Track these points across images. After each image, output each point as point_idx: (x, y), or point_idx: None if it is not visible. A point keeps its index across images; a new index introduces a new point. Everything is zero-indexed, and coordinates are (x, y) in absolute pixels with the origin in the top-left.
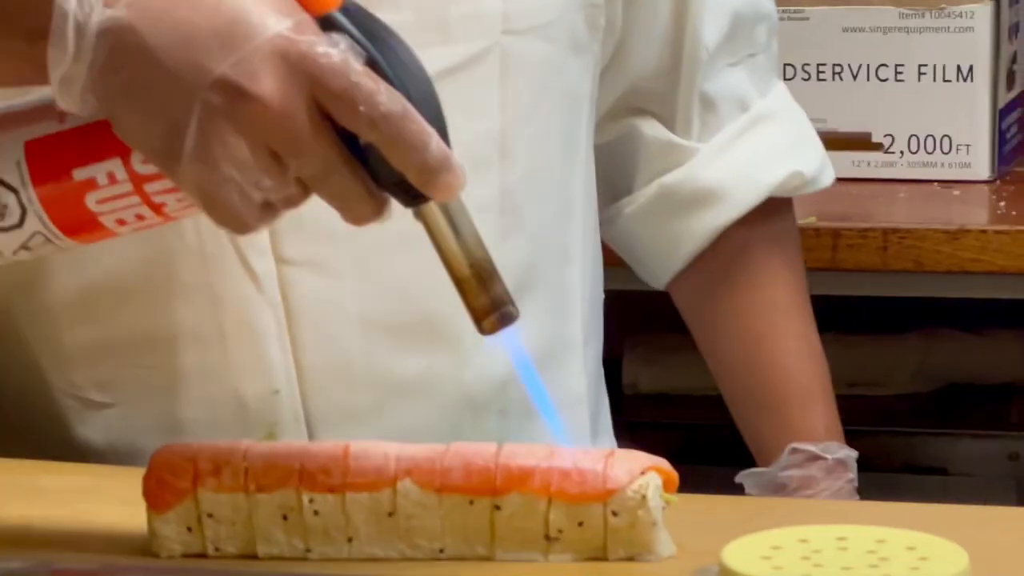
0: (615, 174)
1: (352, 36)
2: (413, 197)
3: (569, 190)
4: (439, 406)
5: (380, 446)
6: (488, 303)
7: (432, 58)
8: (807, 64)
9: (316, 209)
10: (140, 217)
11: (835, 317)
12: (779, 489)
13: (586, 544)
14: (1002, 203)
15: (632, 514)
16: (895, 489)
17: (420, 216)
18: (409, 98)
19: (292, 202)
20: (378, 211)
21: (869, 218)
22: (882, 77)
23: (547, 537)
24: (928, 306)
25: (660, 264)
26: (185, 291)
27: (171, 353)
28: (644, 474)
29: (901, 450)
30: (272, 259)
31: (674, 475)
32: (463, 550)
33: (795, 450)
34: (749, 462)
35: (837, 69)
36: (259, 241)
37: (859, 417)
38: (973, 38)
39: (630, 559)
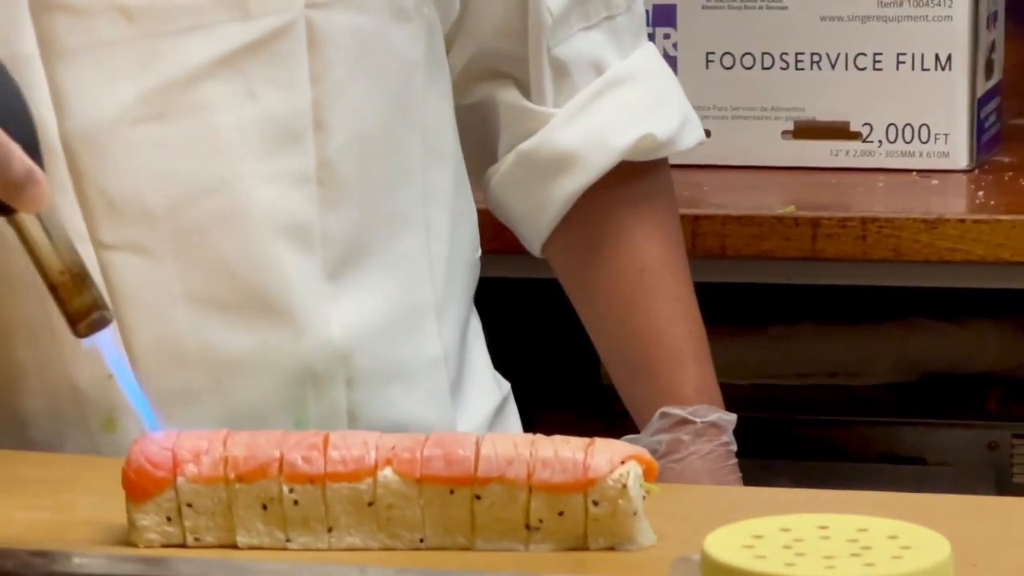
0: (482, 140)
1: None
2: (3, 208)
3: (402, 157)
4: (278, 381)
5: (360, 435)
6: (83, 307)
7: (232, 33)
8: (785, 53)
9: (129, 191)
10: None
11: (814, 307)
12: (651, 454)
13: (567, 534)
14: (980, 192)
15: (613, 503)
16: (873, 479)
17: (13, 224)
18: None
19: None
20: None
21: (848, 208)
22: (860, 66)
23: (528, 527)
24: (907, 296)
25: (529, 231)
26: (11, 284)
27: (6, 347)
28: (624, 463)
29: (879, 440)
30: (90, 244)
31: (655, 464)
32: (443, 540)
33: (664, 414)
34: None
35: (816, 58)
36: (75, 227)
37: (837, 407)
38: (951, 27)
39: (611, 549)
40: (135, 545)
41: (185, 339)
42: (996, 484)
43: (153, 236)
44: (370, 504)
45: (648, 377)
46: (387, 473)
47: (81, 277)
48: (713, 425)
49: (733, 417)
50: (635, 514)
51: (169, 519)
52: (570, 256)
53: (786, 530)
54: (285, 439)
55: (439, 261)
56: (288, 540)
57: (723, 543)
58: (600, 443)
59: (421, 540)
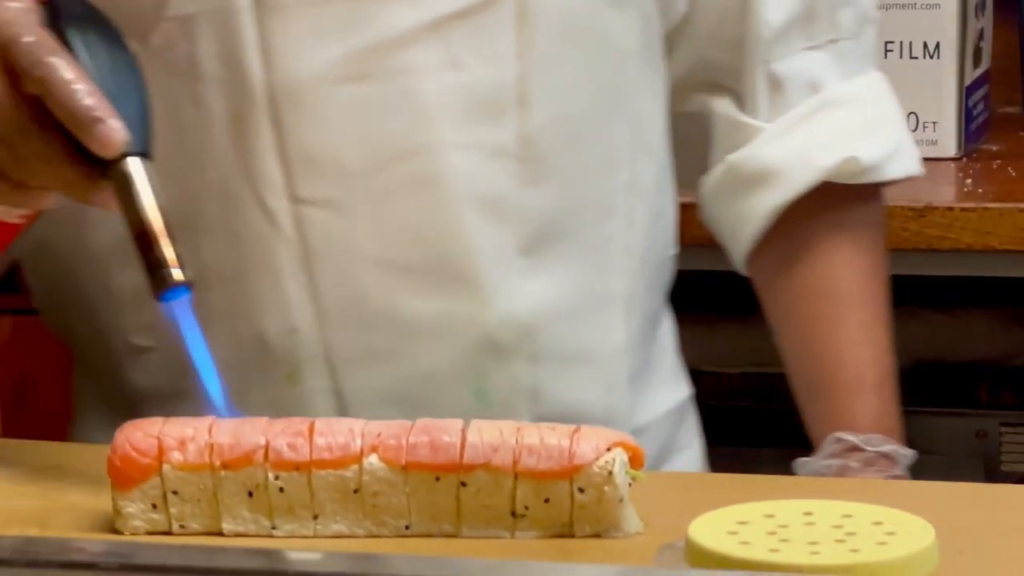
0: (697, 149)
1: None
2: (102, 164)
3: (610, 145)
4: (460, 349)
5: (346, 422)
6: (162, 263)
7: (441, 1)
8: None
9: (329, 149)
10: None
11: None
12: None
13: (552, 521)
14: (969, 180)
15: (598, 490)
16: None
17: (116, 173)
18: (99, 74)
19: (23, 178)
20: (86, 180)
21: None
22: None
23: (513, 514)
24: (895, 284)
25: (733, 245)
26: (209, 230)
27: (200, 292)
28: (610, 450)
29: None
30: (286, 198)
31: (640, 451)
32: (429, 527)
33: (837, 439)
34: (720, 439)
35: None
36: (272, 180)
37: None
38: (940, 15)
39: (596, 536)
40: (120, 532)
41: (372, 299)
42: (985, 472)
43: (349, 194)
44: (356, 491)
45: (826, 401)
46: (373, 460)
47: (167, 235)
48: (885, 456)
49: (909, 453)
50: (621, 501)
51: (154, 506)
52: (768, 273)
53: (771, 516)
54: (270, 426)
55: (635, 253)
56: (274, 527)
57: (707, 529)
58: (586, 430)
59: (407, 527)
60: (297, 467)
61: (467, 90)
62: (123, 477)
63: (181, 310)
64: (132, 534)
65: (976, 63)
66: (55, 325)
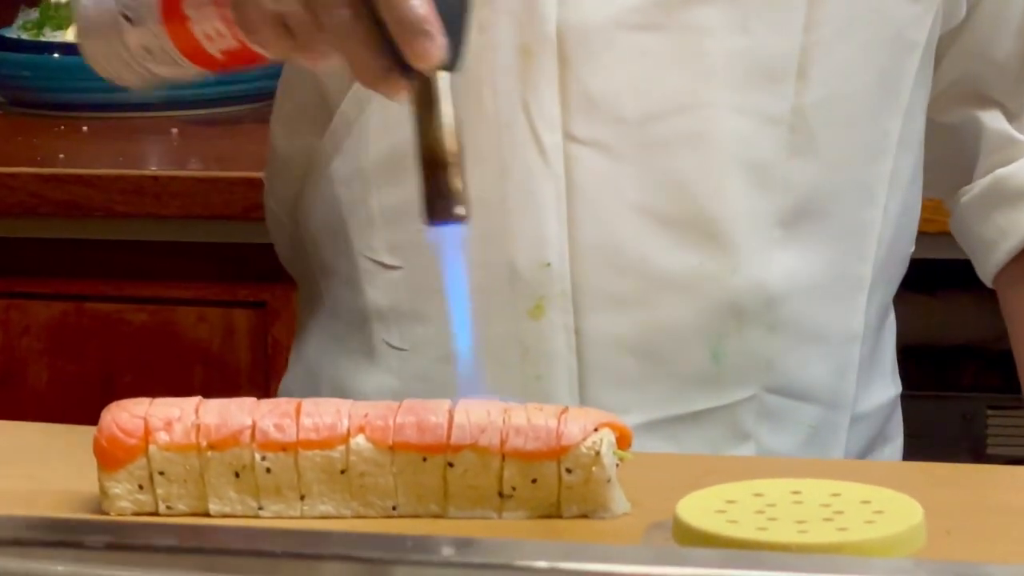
0: (954, 161)
1: None
2: (409, 71)
3: (882, 131)
4: (703, 308)
5: (333, 403)
6: (446, 191)
7: None
8: None
9: (609, 92)
10: (220, 35)
11: None
12: None
13: (540, 501)
14: None
15: (586, 471)
16: None
17: (425, 88)
18: None
19: (309, 41)
20: (382, 72)
21: None
22: None
23: (501, 494)
24: None
25: (985, 258)
26: (478, 157)
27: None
28: (598, 430)
29: None
30: (560, 134)
31: (628, 431)
32: (416, 508)
33: None
34: None
35: None
36: (550, 116)
37: None
38: None
39: (584, 516)
40: (106, 513)
41: (626, 245)
42: (971, 455)
43: (621, 140)
44: (342, 472)
45: None
46: (359, 440)
47: (454, 163)
48: None
49: None
50: (608, 482)
51: (141, 487)
52: (1016, 290)
53: (759, 495)
54: (257, 407)
55: (884, 243)
56: (260, 508)
57: (695, 508)
58: (574, 411)
59: (394, 508)
60: (284, 447)
61: (751, 55)
62: (109, 458)
63: (450, 239)
64: (119, 515)
65: None
66: (288, 244)
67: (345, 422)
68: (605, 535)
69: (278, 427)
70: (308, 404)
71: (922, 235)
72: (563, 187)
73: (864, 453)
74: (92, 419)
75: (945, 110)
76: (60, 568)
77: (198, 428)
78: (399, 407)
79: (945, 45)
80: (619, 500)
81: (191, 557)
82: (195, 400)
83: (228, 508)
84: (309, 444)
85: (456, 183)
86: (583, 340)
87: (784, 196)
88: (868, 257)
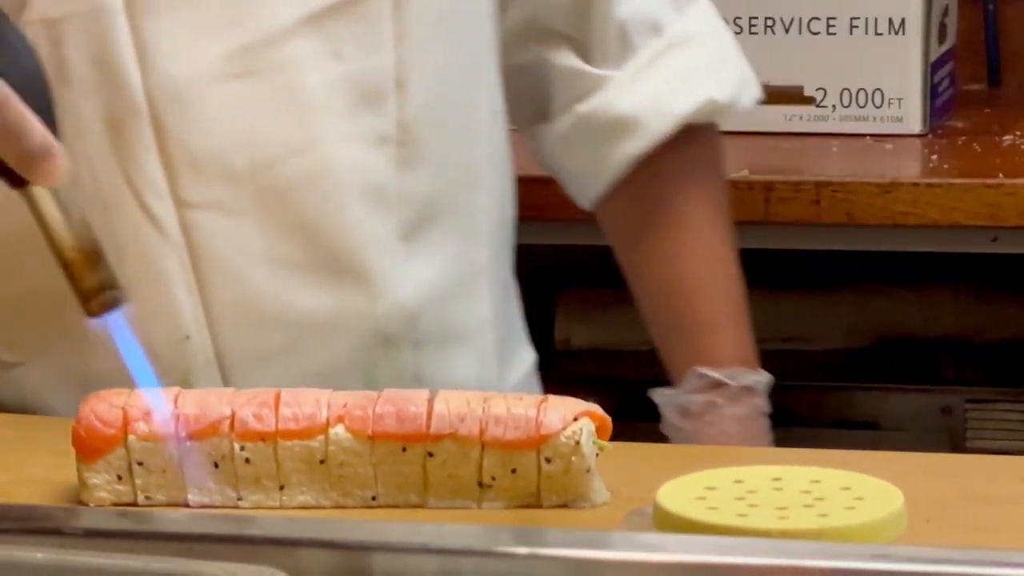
0: (529, 99)
1: None
2: (19, 180)
3: (473, 115)
4: (352, 343)
5: (312, 393)
6: (96, 285)
7: None
8: (739, 18)
9: (214, 150)
10: None
11: (767, 271)
12: (684, 413)
13: (520, 491)
14: (934, 156)
15: (566, 460)
16: (827, 444)
17: (27, 197)
18: (12, 85)
19: None
20: None
21: (801, 171)
22: (814, 31)
23: (480, 484)
24: (861, 260)
25: (583, 189)
26: None
27: (78, 307)
28: (577, 420)
29: (833, 405)
30: (171, 202)
31: (608, 421)
32: (396, 498)
33: (699, 375)
34: None
35: (769, 22)
36: (156, 185)
37: (791, 372)
38: None
39: (564, 506)
40: (85, 504)
41: (264, 299)
42: (950, 449)
43: (236, 195)
44: (322, 462)
45: (686, 337)
46: (339, 430)
47: (95, 255)
48: (747, 388)
49: (768, 379)
50: (588, 471)
51: (120, 478)
52: (621, 215)
53: (739, 482)
54: (236, 397)
55: (493, 221)
56: (239, 498)
57: (676, 495)
58: (553, 400)
59: (373, 498)
60: (263, 437)
61: (349, 81)
62: (88, 448)
63: (115, 325)
64: (97, 505)
65: (941, 40)
66: None
67: (324, 412)
68: (585, 524)
69: (257, 417)
70: (287, 395)
71: (900, 228)
72: (186, 255)
73: None
74: None
75: (516, 53)
76: (39, 556)
77: (177, 419)
78: (378, 397)
79: None
80: (599, 489)
81: (170, 544)
82: (174, 390)
83: (207, 499)
84: (288, 434)
85: (98, 278)
86: None
87: (402, 211)
88: (484, 242)
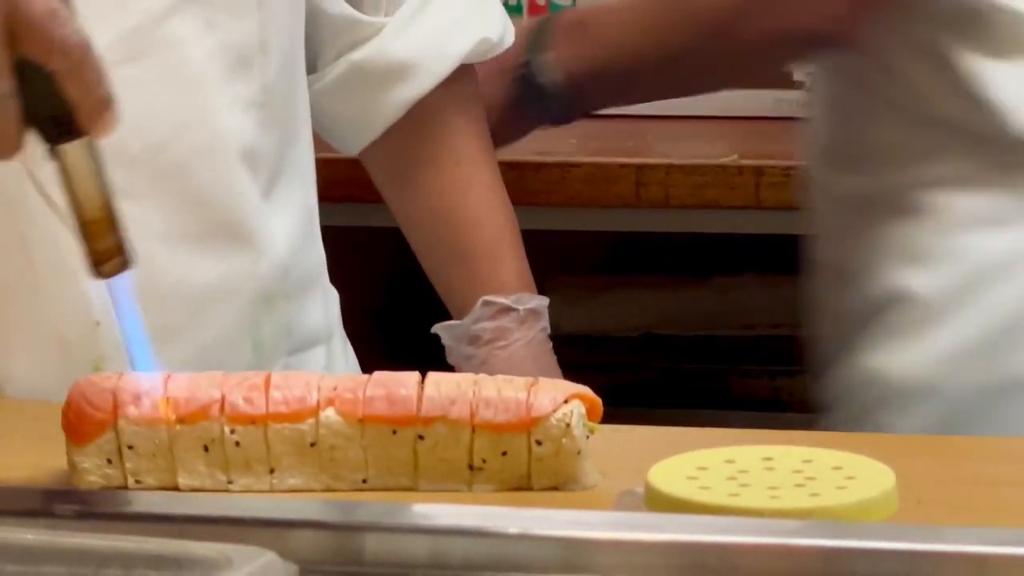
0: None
1: None
2: (64, 133)
3: (300, 70)
4: (243, 305)
5: (303, 376)
6: (112, 247)
7: None
8: None
9: (111, 137)
10: None
11: (758, 256)
12: (474, 340)
13: (510, 474)
14: None
15: (556, 443)
16: (817, 428)
17: (63, 154)
18: None
19: None
20: (14, 150)
21: (791, 156)
22: None
23: (471, 467)
24: None
25: (353, 135)
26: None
27: None
28: (568, 402)
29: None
30: None
31: (598, 403)
32: (386, 481)
33: (487, 303)
34: (674, 403)
35: None
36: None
37: (782, 357)
38: None
39: (554, 489)
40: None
41: (163, 276)
42: None
43: (135, 179)
44: (312, 445)
45: (468, 266)
46: (329, 413)
47: (115, 216)
48: (533, 312)
49: (546, 301)
50: (579, 453)
51: (110, 461)
52: (391, 155)
53: (731, 462)
54: (226, 380)
55: (312, 168)
56: (230, 482)
57: (667, 474)
58: (544, 382)
59: (364, 481)
60: (253, 421)
61: (223, 49)
62: (78, 432)
63: (120, 289)
64: (88, 489)
65: None
66: None
67: (315, 395)
68: (576, 506)
69: (247, 400)
70: (277, 377)
71: None
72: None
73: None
74: None
75: None
76: (30, 537)
77: (167, 402)
78: (368, 380)
79: None
80: (589, 472)
81: (161, 525)
82: (164, 374)
83: (197, 482)
84: (278, 417)
85: (115, 237)
86: None
87: (264, 171)
88: (310, 187)
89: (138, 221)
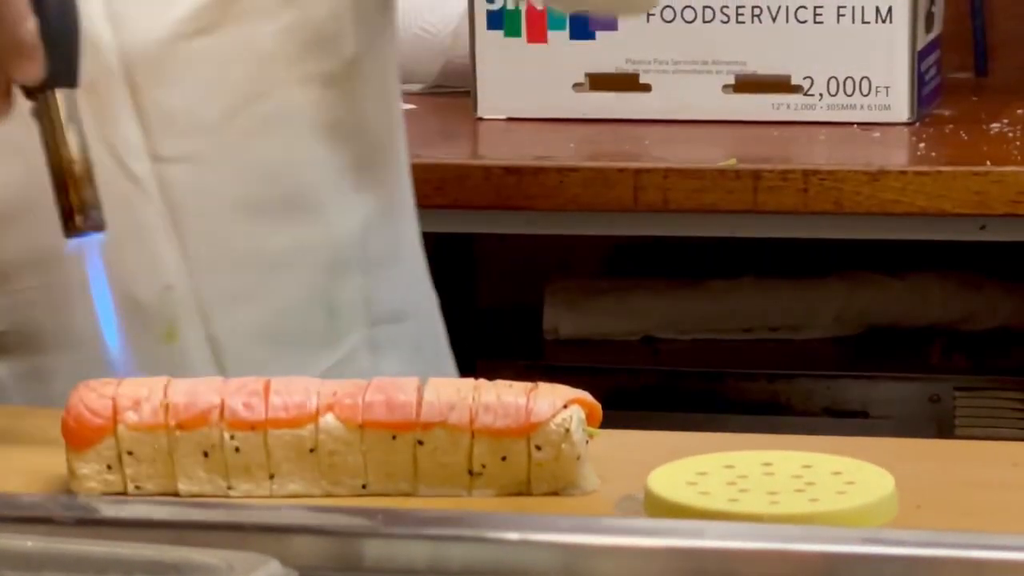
0: None
1: None
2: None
3: (389, 57)
4: (314, 273)
5: (302, 381)
6: (85, 202)
7: None
8: (726, 6)
9: (186, 104)
10: None
11: (756, 260)
12: None
13: (510, 479)
14: (922, 144)
15: (556, 448)
16: (816, 432)
17: (44, 105)
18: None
19: None
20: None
21: (789, 160)
22: (801, 19)
23: (470, 472)
24: (849, 249)
25: None
26: None
27: (61, 270)
28: (567, 407)
29: (822, 393)
30: (148, 160)
31: (597, 408)
32: (386, 486)
33: None
34: (673, 406)
35: (756, 11)
36: (134, 144)
37: (780, 361)
38: None
39: (554, 494)
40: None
41: (236, 242)
42: (939, 436)
43: (208, 146)
44: (312, 450)
45: None
46: (329, 419)
47: (89, 172)
48: None
49: None
50: (578, 459)
51: (110, 467)
52: None
53: (730, 467)
54: (226, 385)
55: (405, 156)
56: (230, 488)
57: (667, 480)
58: (543, 387)
59: (363, 486)
60: (253, 426)
61: (303, 25)
62: (78, 438)
63: (91, 249)
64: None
65: (928, 28)
66: None
67: (314, 400)
68: (575, 510)
69: (247, 406)
70: (277, 383)
71: (888, 216)
72: (164, 209)
73: None
74: None
75: None
76: (30, 544)
77: (166, 407)
78: (368, 385)
79: None
80: (589, 477)
81: (161, 532)
82: (163, 380)
83: (197, 488)
84: (278, 423)
85: (86, 195)
86: (219, 348)
87: (351, 145)
88: (404, 176)
89: (212, 188)
